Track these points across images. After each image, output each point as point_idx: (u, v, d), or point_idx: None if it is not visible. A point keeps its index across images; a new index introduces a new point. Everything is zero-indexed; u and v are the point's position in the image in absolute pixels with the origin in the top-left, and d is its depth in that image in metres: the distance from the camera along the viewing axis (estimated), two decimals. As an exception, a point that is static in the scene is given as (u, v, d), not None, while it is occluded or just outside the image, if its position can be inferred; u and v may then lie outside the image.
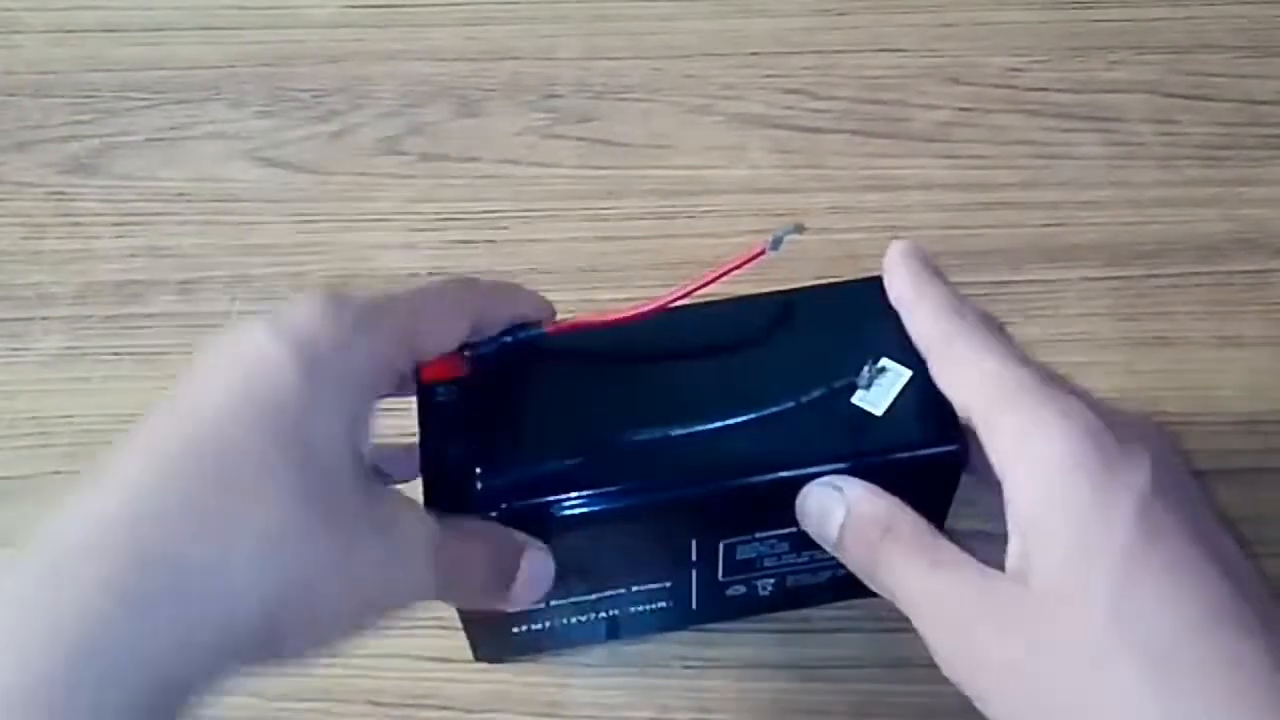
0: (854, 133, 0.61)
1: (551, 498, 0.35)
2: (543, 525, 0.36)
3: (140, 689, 0.26)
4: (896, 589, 0.34)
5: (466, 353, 0.37)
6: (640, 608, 0.42)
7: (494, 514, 0.35)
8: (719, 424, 0.36)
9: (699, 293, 0.37)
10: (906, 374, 0.37)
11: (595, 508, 0.36)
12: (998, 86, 0.63)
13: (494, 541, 0.35)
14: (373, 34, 0.66)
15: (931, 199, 0.58)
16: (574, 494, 0.36)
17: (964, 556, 0.33)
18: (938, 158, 0.60)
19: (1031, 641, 0.30)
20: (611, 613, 0.42)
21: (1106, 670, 0.29)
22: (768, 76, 0.63)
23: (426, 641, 0.46)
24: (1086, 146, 0.60)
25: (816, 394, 0.36)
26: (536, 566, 0.35)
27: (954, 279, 0.55)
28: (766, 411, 0.36)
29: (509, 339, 0.38)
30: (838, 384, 0.36)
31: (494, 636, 0.43)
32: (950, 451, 0.36)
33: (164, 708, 0.27)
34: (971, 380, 0.34)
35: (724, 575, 0.41)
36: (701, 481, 0.36)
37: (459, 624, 0.42)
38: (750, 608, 0.43)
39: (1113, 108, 0.62)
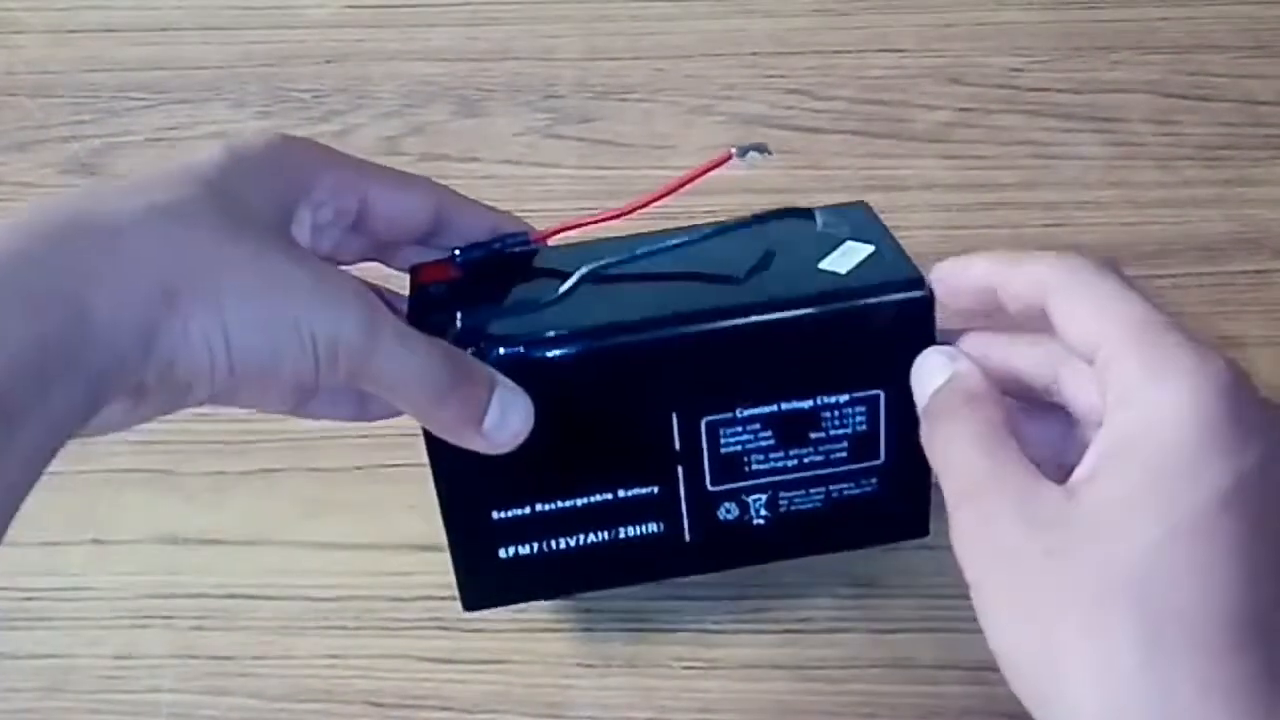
0: (854, 133, 0.61)
1: (532, 340, 0.37)
2: (522, 378, 0.36)
3: (51, 310, 0.28)
4: (947, 459, 0.34)
5: (458, 256, 0.39)
6: (631, 531, 0.41)
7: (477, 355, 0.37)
8: (680, 240, 0.39)
9: (682, 191, 0.39)
10: (869, 248, 0.39)
11: (572, 350, 0.37)
12: (998, 87, 0.63)
13: (460, 360, 0.35)
14: (373, 34, 0.66)
15: (932, 199, 0.58)
16: (553, 336, 0.37)
17: (1021, 456, 0.32)
18: (938, 158, 0.60)
19: (1050, 547, 0.30)
20: (601, 534, 0.41)
21: (1107, 612, 0.28)
22: (768, 77, 0.63)
23: (426, 642, 0.46)
24: (1087, 147, 0.60)
25: (774, 216, 0.39)
26: (510, 403, 0.36)
27: (954, 279, 0.55)
28: (725, 228, 0.39)
29: (498, 245, 0.40)
30: (803, 239, 0.39)
31: (481, 564, 0.41)
32: (919, 298, 0.37)
33: (77, 341, 0.28)
34: (1098, 312, 0.32)
35: (712, 482, 0.40)
36: (674, 324, 0.37)
37: (459, 625, 0.42)
38: (748, 547, 0.42)
39: (1113, 108, 0.62)
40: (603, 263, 0.39)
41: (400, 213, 0.38)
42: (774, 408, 0.39)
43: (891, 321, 0.38)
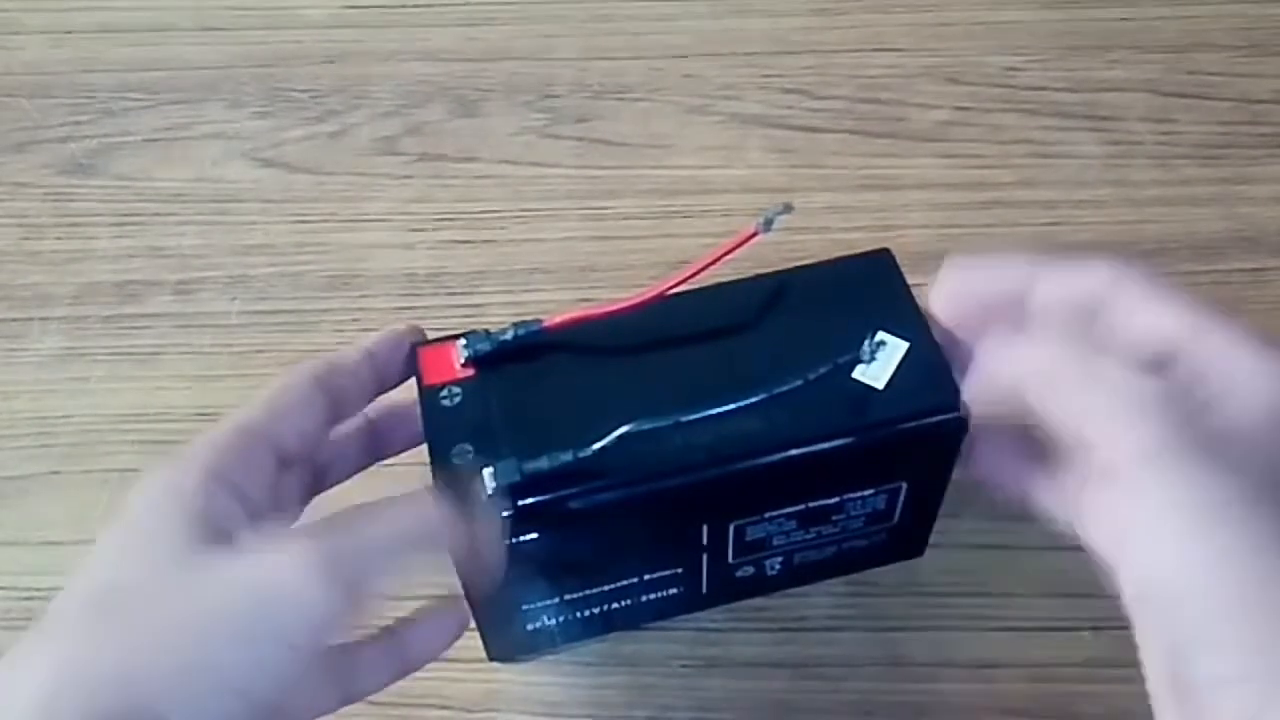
0: (852, 132, 0.61)
1: (565, 493, 0.35)
2: (558, 520, 0.35)
3: None
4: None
5: (465, 353, 0.37)
6: (652, 595, 0.42)
7: (508, 513, 0.35)
8: (727, 408, 0.36)
9: (695, 278, 0.38)
10: (904, 345, 0.37)
11: (609, 498, 0.36)
12: (995, 86, 0.63)
13: None
14: (370, 34, 0.66)
15: (929, 198, 0.58)
16: (588, 487, 0.35)
17: None
18: (936, 157, 0.60)
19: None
20: (624, 602, 0.42)
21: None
22: (766, 76, 0.63)
23: (425, 641, 0.46)
24: (1084, 145, 0.60)
25: (819, 372, 0.36)
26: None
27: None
28: (772, 393, 0.36)
29: (508, 336, 0.38)
30: (839, 360, 0.37)
31: (508, 635, 0.43)
32: (953, 419, 0.36)
33: None
34: (1173, 304, 0.33)
35: (734, 558, 0.41)
36: (712, 466, 0.36)
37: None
38: (758, 588, 0.43)
39: (1110, 107, 0.62)
40: (642, 426, 0.35)
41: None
42: (800, 506, 0.39)
43: (926, 437, 0.37)
